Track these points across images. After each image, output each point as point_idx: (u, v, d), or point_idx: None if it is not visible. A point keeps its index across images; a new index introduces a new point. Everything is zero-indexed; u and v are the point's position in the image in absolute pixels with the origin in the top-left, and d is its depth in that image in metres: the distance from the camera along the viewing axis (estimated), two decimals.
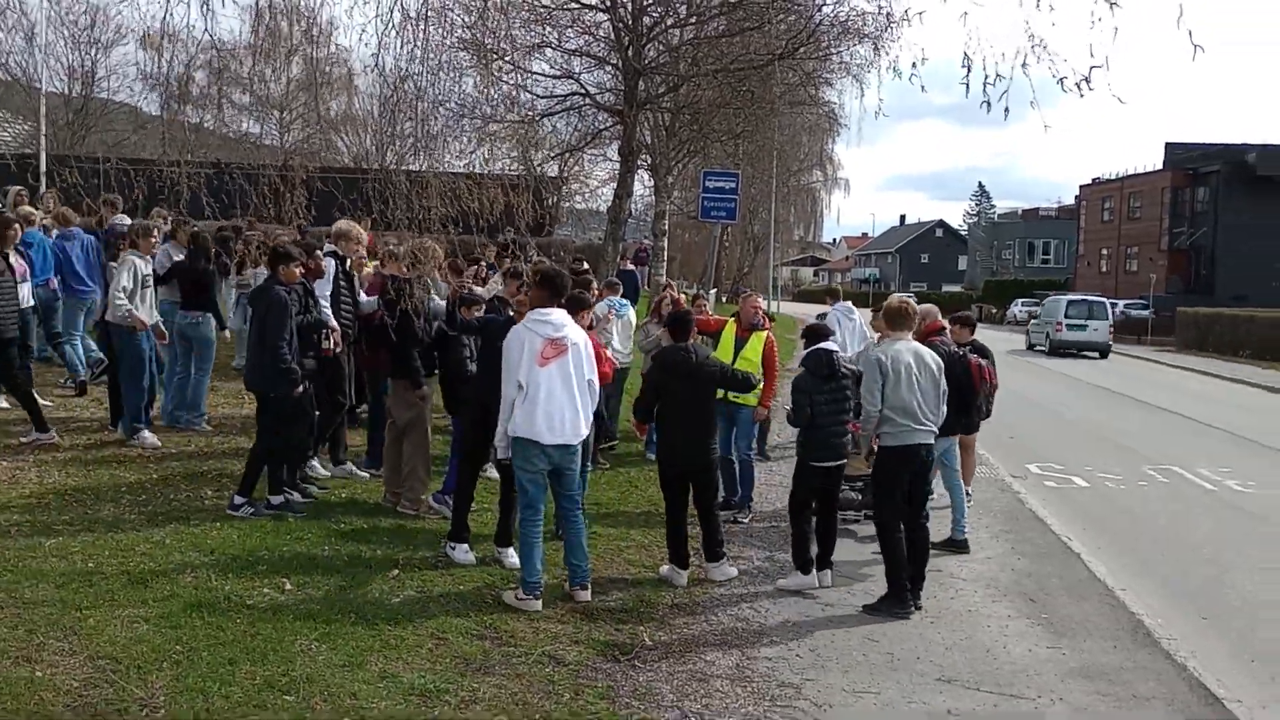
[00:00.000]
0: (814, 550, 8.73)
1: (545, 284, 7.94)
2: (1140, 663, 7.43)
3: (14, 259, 11.44)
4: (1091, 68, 7.08)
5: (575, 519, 7.90)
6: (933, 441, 8.52)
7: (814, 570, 8.61)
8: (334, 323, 10.08)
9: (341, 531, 8.88)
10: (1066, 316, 40.20)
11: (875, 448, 8.46)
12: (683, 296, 14.17)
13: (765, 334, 10.96)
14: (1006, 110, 7.60)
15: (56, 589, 7.06)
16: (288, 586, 7.46)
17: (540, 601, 7.54)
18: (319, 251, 10.23)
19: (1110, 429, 20.03)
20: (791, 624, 7.77)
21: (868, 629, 7.75)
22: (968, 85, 7.49)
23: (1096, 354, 39.98)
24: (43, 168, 24.66)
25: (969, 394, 9.90)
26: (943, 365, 8.61)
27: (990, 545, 10.42)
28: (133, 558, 7.81)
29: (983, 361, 10.26)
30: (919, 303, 9.99)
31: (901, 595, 8.18)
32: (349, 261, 10.61)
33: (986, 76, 7.49)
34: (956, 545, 10.00)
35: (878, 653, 7.31)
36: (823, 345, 8.81)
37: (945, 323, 10.58)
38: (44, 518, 8.60)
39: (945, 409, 8.60)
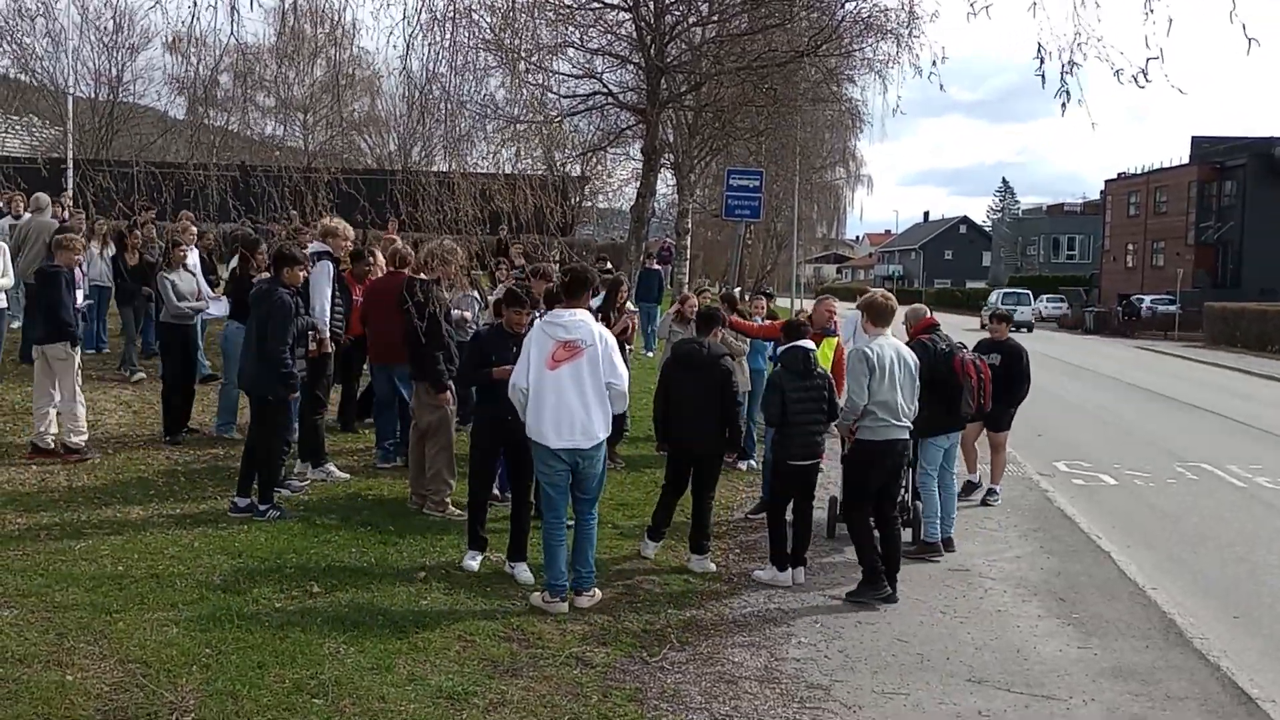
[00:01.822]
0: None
1: (567, 283, 7.98)
2: (1172, 662, 7.37)
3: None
4: (1148, 59, 7.01)
5: (586, 522, 7.80)
6: (908, 438, 8.70)
7: (790, 568, 8.66)
8: (322, 324, 10.14)
9: (367, 534, 8.90)
10: (1001, 304, 52.65)
11: (851, 440, 8.65)
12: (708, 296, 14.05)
13: (836, 339, 10.81)
14: (1063, 105, 7.57)
15: (86, 592, 7.11)
16: (315, 589, 7.48)
17: (566, 604, 7.54)
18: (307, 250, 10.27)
19: (1138, 426, 19.88)
20: (820, 625, 7.73)
21: (897, 629, 7.71)
22: (1043, 76, 7.44)
23: (1025, 329, 51.01)
24: (70, 172, 24.83)
25: (954, 390, 9.68)
26: (919, 363, 8.77)
27: (1019, 544, 10.35)
28: (161, 561, 7.85)
29: (969, 357, 9.92)
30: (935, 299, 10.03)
31: (878, 579, 8.33)
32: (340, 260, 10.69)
33: (1063, 65, 7.42)
34: (927, 547, 9.67)
35: (907, 653, 7.27)
36: (799, 343, 8.84)
37: (936, 319, 10.39)
38: (73, 521, 8.67)
39: (916, 405, 8.72)
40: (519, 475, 8.32)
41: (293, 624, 6.80)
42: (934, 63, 22.56)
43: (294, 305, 9.24)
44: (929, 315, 10.21)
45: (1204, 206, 62.95)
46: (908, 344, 9.25)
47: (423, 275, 10.16)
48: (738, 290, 17.75)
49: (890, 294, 9.02)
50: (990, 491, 11.96)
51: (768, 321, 12.73)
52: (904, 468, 9.03)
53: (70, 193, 20.09)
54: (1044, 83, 7.46)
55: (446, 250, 10.05)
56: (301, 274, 9.57)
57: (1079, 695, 6.70)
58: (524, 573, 8.15)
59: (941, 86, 18.92)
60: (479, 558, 8.34)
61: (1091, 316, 57.97)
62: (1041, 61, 7.44)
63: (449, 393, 9.73)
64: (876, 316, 8.71)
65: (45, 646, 6.22)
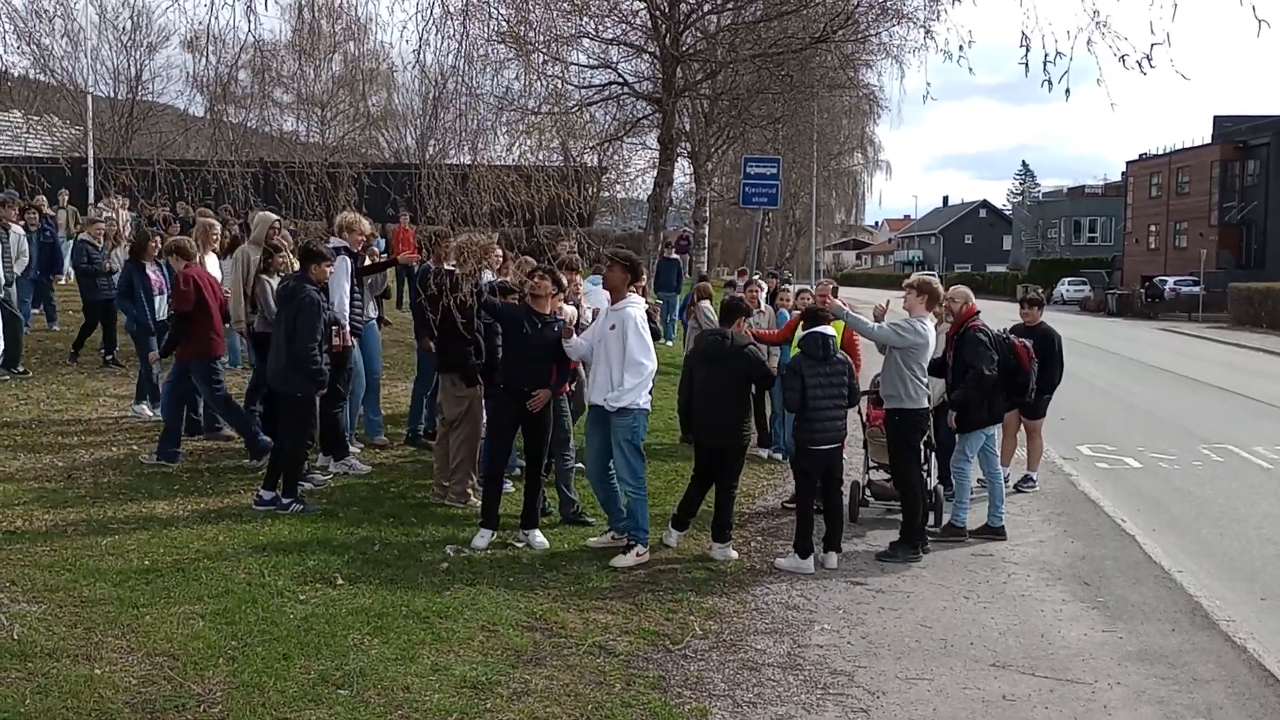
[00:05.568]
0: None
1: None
2: (1199, 645, 7.33)
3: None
4: (1153, 45, 6.89)
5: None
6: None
7: (813, 554, 8.70)
8: (342, 318, 10.16)
9: (391, 525, 8.94)
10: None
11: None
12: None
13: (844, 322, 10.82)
14: (1067, 91, 7.45)
15: (113, 587, 7.16)
16: (339, 581, 7.52)
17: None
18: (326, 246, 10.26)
19: (1163, 408, 19.76)
20: (843, 611, 7.73)
21: (920, 615, 7.70)
22: (1027, 65, 7.31)
23: None
24: (91, 171, 24.97)
25: (1020, 375, 10.03)
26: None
27: (1043, 528, 10.32)
28: (187, 554, 7.91)
29: (1025, 342, 10.29)
30: (955, 284, 10.43)
31: (915, 542, 9.06)
32: (358, 255, 10.72)
33: (1046, 55, 7.30)
34: (994, 532, 9.83)
35: (931, 639, 7.26)
36: (819, 329, 8.93)
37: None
38: (99, 517, 8.73)
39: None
40: (534, 450, 8.76)
41: (317, 616, 6.85)
42: (960, 47, 22.21)
43: (321, 303, 9.29)
44: (972, 302, 10.21)
45: (1227, 186, 62.37)
46: (960, 333, 9.70)
47: (449, 268, 10.11)
48: (757, 275, 17.70)
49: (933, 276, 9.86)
50: (1026, 478, 11.89)
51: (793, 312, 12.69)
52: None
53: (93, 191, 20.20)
54: (1028, 71, 7.34)
55: (478, 245, 9.96)
56: (328, 270, 9.60)
57: (1104, 679, 6.68)
58: (537, 538, 8.61)
59: (970, 70, 18.52)
60: (488, 536, 8.59)
61: (1114, 299, 57.55)
62: (1027, 50, 7.30)
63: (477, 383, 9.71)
64: (934, 300, 9.48)
65: (73, 640, 6.28)
